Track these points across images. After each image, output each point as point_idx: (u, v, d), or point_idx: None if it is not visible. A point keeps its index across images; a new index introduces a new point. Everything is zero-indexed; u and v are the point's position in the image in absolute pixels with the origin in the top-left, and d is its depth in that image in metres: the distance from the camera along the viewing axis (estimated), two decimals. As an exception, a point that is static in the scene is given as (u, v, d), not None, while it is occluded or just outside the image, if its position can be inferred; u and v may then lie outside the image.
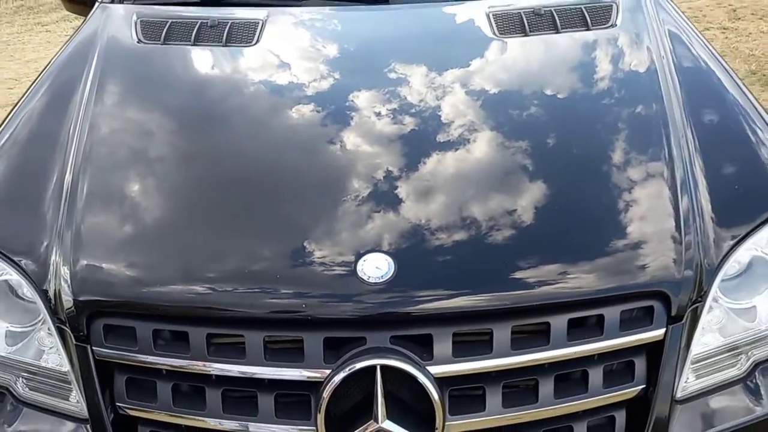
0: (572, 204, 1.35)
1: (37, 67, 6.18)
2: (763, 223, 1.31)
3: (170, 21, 1.90)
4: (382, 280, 1.17)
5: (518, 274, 1.22)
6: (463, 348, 1.15)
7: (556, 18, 1.81)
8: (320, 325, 1.16)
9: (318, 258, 1.24)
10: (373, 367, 1.11)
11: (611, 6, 1.89)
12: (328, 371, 1.13)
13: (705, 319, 1.24)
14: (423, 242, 1.25)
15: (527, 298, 1.18)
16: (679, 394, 1.23)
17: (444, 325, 1.15)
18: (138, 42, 1.88)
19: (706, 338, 1.25)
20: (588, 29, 1.80)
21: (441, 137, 1.46)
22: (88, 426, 1.23)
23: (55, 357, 1.26)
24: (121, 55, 1.86)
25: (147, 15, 1.97)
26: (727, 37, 6.38)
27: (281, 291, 1.22)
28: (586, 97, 1.65)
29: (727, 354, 1.27)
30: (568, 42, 1.79)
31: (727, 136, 1.51)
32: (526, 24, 1.79)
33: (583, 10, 1.86)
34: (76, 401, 1.25)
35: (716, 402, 1.26)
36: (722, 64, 1.71)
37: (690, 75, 1.66)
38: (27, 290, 1.29)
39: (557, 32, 1.78)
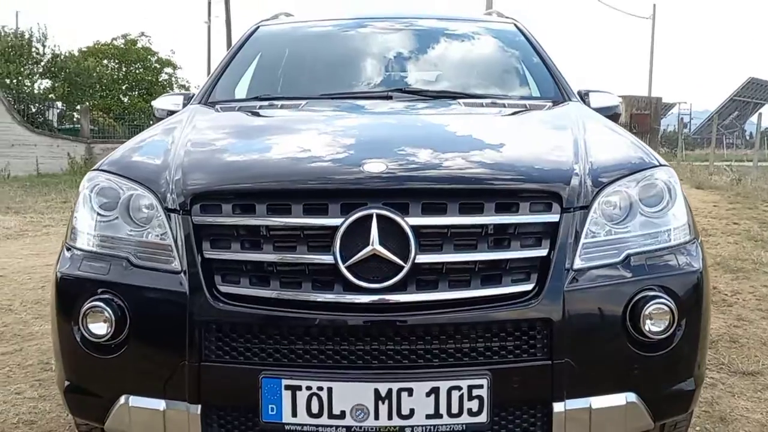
0: (511, 146, 2.20)
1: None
2: (625, 176, 2.02)
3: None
4: (378, 173, 1.88)
5: (464, 172, 1.96)
6: (429, 213, 1.82)
7: (506, 103, 2.74)
8: (338, 195, 1.84)
9: (340, 160, 2.04)
10: (371, 215, 1.78)
11: (545, 105, 2.83)
12: (342, 219, 1.79)
13: (589, 223, 1.90)
14: (405, 156, 2.01)
15: (469, 184, 1.89)
16: (574, 266, 1.86)
17: (416, 199, 1.83)
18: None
19: (592, 235, 1.91)
20: (527, 110, 2.71)
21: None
22: (182, 274, 1.85)
23: (162, 237, 1.92)
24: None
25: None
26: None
27: (315, 176, 1.94)
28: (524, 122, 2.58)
29: (608, 246, 1.91)
30: (514, 111, 2.69)
31: (609, 144, 2.29)
32: (483, 105, 2.72)
33: (527, 104, 2.78)
34: (174, 264, 1.88)
35: (599, 272, 1.87)
36: (619, 132, 2.52)
37: (591, 124, 2.48)
38: (146, 200, 1.98)
39: (505, 107, 2.70)
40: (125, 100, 29.83)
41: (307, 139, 2.31)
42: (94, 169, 2.17)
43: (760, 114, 18.57)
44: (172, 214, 1.92)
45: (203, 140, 2.32)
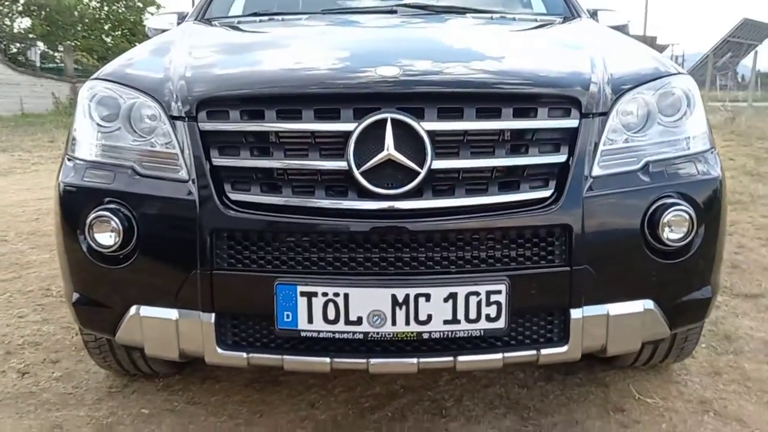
0: (528, 54, 2.15)
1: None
2: (644, 83, 1.96)
3: None
4: (392, 76, 1.81)
5: (481, 76, 1.89)
6: (445, 117, 1.76)
7: (516, 17, 2.65)
8: (351, 99, 1.77)
9: (352, 65, 1.96)
10: (385, 120, 1.72)
11: (557, 20, 2.74)
12: (356, 124, 1.72)
13: (608, 131, 1.85)
14: (419, 61, 1.95)
15: (486, 88, 1.83)
16: (593, 173, 1.81)
17: (432, 103, 1.76)
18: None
19: (610, 143, 1.86)
20: (537, 23, 2.62)
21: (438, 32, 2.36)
22: (191, 182, 1.79)
23: (168, 145, 1.85)
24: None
25: None
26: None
27: (326, 80, 1.87)
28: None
29: (627, 153, 1.87)
30: (526, 24, 2.60)
31: (626, 55, 2.22)
32: (492, 19, 2.63)
33: (539, 19, 2.70)
34: (181, 173, 1.81)
35: (618, 179, 1.83)
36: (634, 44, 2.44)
37: (606, 37, 2.40)
38: (149, 109, 1.89)
39: (515, 21, 2.61)
40: (108, 40, 29.12)
41: (315, 47, 2.22)
42: (92, 78, 2.08)
43: (756, 52, 18.42)
44: (177, 122, 1.85)
45: (204, 50, 2.24)
